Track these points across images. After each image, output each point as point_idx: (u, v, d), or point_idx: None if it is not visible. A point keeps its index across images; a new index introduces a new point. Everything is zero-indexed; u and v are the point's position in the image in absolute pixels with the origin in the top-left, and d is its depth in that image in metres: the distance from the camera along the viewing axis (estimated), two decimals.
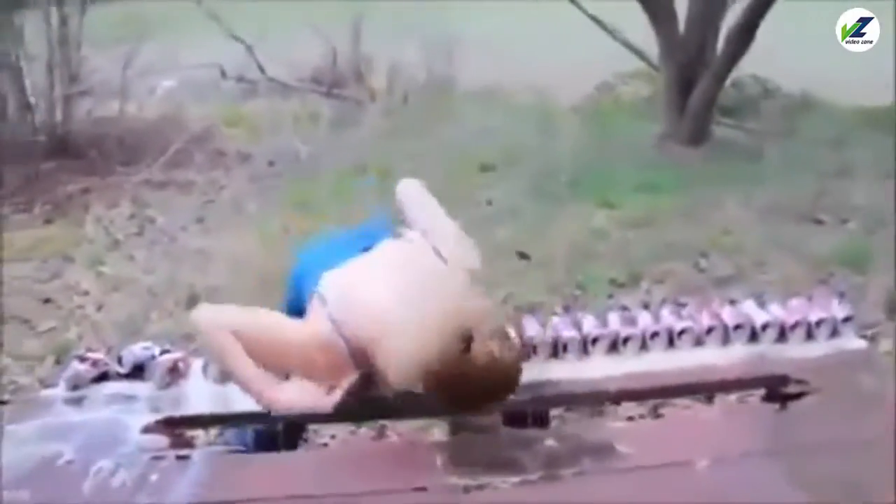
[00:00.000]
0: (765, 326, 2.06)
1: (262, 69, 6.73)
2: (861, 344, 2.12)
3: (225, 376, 1.84)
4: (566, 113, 6.81)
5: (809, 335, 2.05)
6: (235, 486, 1.54)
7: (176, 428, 1.76)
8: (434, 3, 8.71)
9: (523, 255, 4.24)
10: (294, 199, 4.93)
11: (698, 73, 5.75)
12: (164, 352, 1.93)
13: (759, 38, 5.72)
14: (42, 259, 4.18)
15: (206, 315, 1.80)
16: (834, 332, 2.07)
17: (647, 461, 1.52)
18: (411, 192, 2.13)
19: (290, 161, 5.71)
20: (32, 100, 5.73)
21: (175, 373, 1.90)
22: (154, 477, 1.56)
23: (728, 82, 6.46)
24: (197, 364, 1.95)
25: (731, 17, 5.69)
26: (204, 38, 6.92)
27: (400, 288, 1.74)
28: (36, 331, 3.53)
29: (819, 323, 2.07)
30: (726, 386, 1.90)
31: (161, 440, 1.70)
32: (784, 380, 1.87)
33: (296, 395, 1.73)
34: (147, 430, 1.74)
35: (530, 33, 8.93)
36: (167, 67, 6.55)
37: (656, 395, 2.06)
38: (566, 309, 2.91)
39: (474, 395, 1.62)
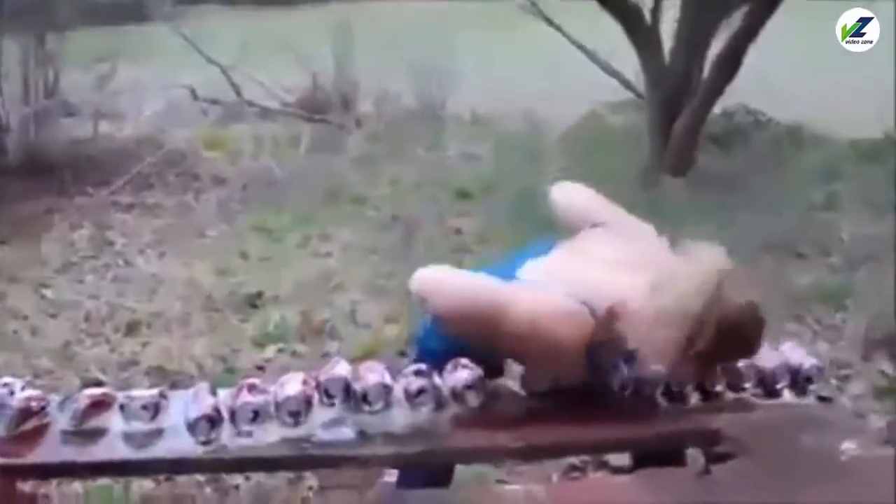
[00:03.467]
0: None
1: (238, 92, 6.63)
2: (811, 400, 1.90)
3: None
4: (553, 141, 6.67)
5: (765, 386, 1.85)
6: None
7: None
8: (425, 30, 8.66)
9: None
10: (256, 225, 4.79)
11: (684, 102, 5.60)
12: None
13: (753, 67, 5.60)
14: None
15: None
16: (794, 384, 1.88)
17: None
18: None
19: (264, 185, 5.58)
20: (4, 117, 5.63)
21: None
22: None
23: (718, 112, 6.33)
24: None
25: (717, 46, 5.54)
26: (187, 61, 6.84)
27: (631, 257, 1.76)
28: None
29: (775, 373, 1.87)
30: (644, 442, 1.69)
31: None
32: (715, 437, 1.66)
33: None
34: None
35: (519, 62, 8.84)
36: (143, 89, 6.45)
37: (561, 452, 1.87)
38: None
39: (733, 338, 1.58)
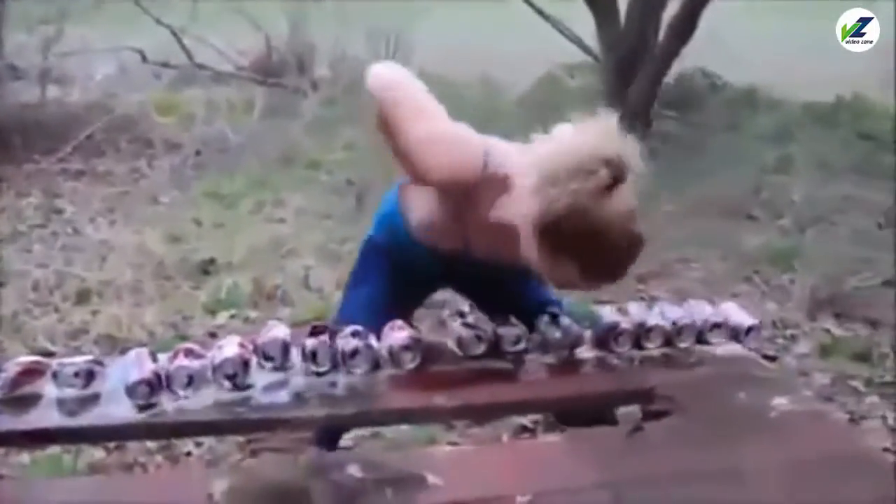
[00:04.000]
0: (649, 330, 1.85)
1: (189, 55, 6.51)
2: (750, 354, 1.89)
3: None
4: (510, 104, 6.65)
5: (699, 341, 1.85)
6: None
7: None
8: None
9: None
10: (209, 190, 4.73)
11: (639, 65, 5.60)
12: None
13: (708, 31, 5.61)
14: None
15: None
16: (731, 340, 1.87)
17: (459, 495, 1.30)
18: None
19: (217, 151, 5.51)
20: None
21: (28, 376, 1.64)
22: None
23: (674, 75, 6.34)
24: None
25: (672, 8, 5.54)
26: (137, 24, 6.68)
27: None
28: None
29: (714, 327, 1.86)
30: (576, 400, 1.70)
31: None
32: (648, 395, 1.66)
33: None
34: None
35: (476, 24, 8.78)
36: (91, 52, 6.31)
37: (494, 412, 1.87)
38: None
39: (583, 246, 1.43)
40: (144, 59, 6.49)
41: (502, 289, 1.92)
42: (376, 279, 1.92)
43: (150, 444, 2.51)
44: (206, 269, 3.79)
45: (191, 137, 5.78)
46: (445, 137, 1.61)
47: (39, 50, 5.98)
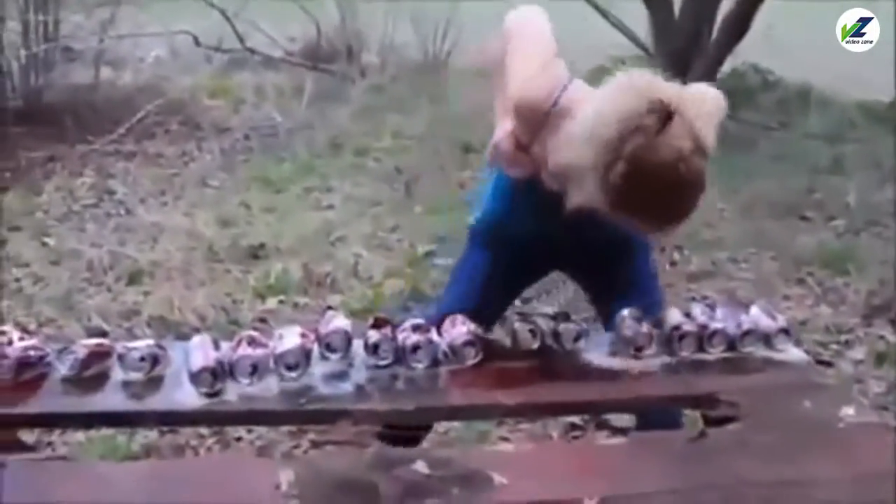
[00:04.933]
0: (712, 334, 1.77)
1: (241, 39, 6.53)
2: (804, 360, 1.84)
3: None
4: None
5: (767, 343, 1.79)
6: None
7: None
8: None
9: None
10: (258, 175, 4.76)
11: (692, 60, 5.53)
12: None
13: (763, 28, 5.52)
14: None
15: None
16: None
17: (525, 495, 1.29)
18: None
19: (267, 135, 5.55)
20: (4, 63, 5.55)
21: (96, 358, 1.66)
22: None
23: (727, 71, 6.25)
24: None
25: (727, 4, 5.46)
26: (189, 7, 6.73)
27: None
28: None
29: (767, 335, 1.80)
30: (638, 403, 1.68)
31: None
32: (711, 400, 1.62)
33: None
34: None
35: None
36: (144, 35, 6.37)
37: (557, 411, 1.86)
38: None
39: (643, 195, 1.40)
40: (197, 42, 6.53)
41: (608, 272, 1.91)
42: (482, 261, 1.92)
43: (203, 430, 2.54)
44: (256, 253, 3.82)
45: (240, 121, 5.83)
46: (530, 66, 1.63)
47: (94, 32, 6.03)
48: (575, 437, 2.46)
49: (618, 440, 1.62)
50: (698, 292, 3.64)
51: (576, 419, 2.58)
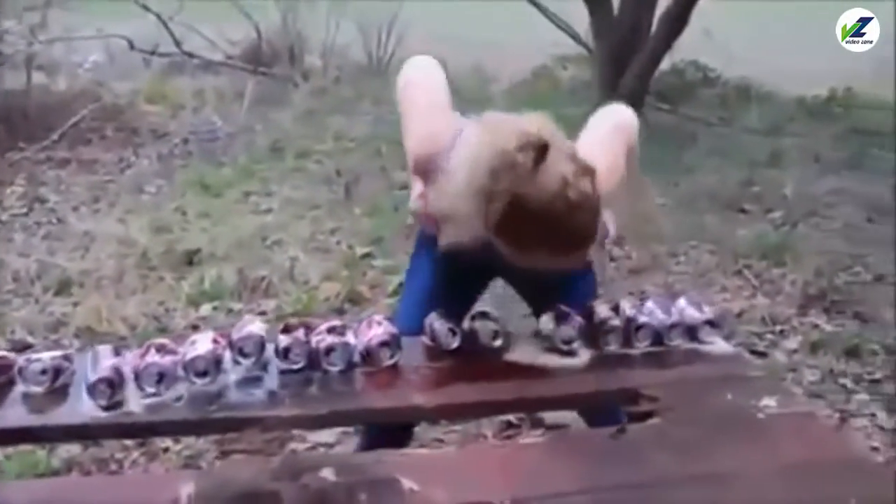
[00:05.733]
0: (639, 328, 1.78)
1: (177, 43, 6.43)
2: (731, 351, 1.84)
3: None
4: (502, 95, 6.60)
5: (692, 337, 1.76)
6: None
7: None
8: None
9: None
10: (195, 180, 4.67)
11: (631, 56, 5.56)
12: None
13: (702, 25, 5.57)
14: None
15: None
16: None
17: (435, 500, 1.24)
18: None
19: (206, 140, 5.45)
20: None
21: None
22: None
23: (667, 67, 6.30)
24: None
25: (665, 2, 5.50)
26: (124, 11, 6.60)
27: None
28: None
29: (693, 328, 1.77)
30: (562, 401, 1.65)
31: None
32: (631, 395, 1.60)
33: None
34: None
35: (469, 15, 8.71)
36: (77, 39, 6.22)
37: (478, 411, 1.82)
38: None
39: (538, 230, 1.38)
40: (132, 46, 6.40)
41: (544, 285, 1.87)
42: (429, 271, 1.89)
43: (127, 441, 2.46)
44: (191, 259, 3.74)
45: (179, 127, 5.73)
46: (423, 120, 1.66)
47: (24, 37, 5.88)
48: (507, 437, 2.43)
49: (535, 439, 1.58)
50: (638, 287, 3.64)
51: (511, 418, 2.55)
